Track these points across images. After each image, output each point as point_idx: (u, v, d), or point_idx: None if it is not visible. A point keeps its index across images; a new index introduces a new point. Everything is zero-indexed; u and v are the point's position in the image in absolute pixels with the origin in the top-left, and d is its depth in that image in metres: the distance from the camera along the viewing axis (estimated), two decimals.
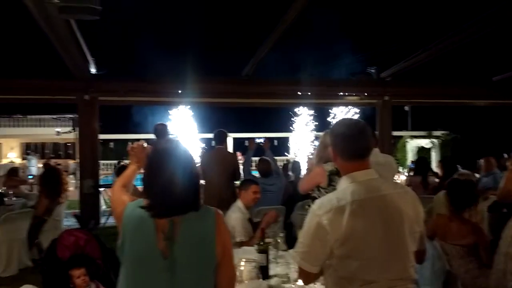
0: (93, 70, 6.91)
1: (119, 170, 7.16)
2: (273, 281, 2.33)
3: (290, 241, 2.82)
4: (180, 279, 1.57)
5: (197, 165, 1.79)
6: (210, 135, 15.06)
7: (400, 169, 11.52)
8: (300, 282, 2.29)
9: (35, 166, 17.51)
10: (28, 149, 26.02)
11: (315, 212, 1.63)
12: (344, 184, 1.73)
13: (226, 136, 5.76)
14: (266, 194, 4.52)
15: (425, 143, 19.43)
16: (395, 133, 19.91)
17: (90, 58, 6.46)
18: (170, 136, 6.22)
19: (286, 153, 19.91)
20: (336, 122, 1.86)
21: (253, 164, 6.66)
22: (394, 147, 19.27)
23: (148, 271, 1.57)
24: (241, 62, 7.20)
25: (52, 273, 2.95)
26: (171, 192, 1.56)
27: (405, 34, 6.55)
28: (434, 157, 18.52)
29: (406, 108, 22.47)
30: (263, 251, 2.51)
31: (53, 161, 16.06)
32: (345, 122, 1.82)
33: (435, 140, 19.24)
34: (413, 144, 19.47)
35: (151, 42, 7.27)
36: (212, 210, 1.69)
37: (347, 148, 1.73)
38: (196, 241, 1.61)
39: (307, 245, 1.64)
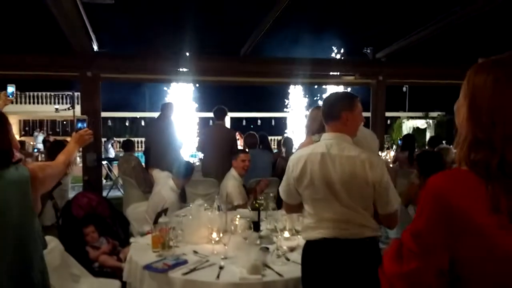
0: (95, 47, 7.08)
1: (125, 145, 7.49)
2: (262, 232, 2.66)
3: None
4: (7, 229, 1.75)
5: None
6: (208, 114, 15.34)
7: (394, 147, 11.84)
8: (286, 234, 2.62)
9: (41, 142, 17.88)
10: (26, 126, 26.08)
11: (290, 159, 2.21)
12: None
13: (225, 113, 6.02)
14: (256, 165, 4.87)
15: (421, 123, 19.74)
16: (393, 114, 20.19)
17: (93, 35, 6.61)
18: (176, 114, 6.44)
19: (285, 131, 20.23)
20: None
21: None
22: (390, 127, 19.60)
23: None
24: (240, 42, 7.36)
25: (67, 229, 3.27)
26: None
27: (401, 13, 6.65)
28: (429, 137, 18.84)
29: (404, 89, 22.64)
30: (255, 208, 2.83)
31: (52, 138, 16.32)
32: (334, 92, 2.26)
33: (430, 121, 19.56)
34: (409, 125, 19.78)
35: (152, 20, 7.42)
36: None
37: (323, 111, 2.16)
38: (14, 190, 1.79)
39: (284, 183, 2.22)
